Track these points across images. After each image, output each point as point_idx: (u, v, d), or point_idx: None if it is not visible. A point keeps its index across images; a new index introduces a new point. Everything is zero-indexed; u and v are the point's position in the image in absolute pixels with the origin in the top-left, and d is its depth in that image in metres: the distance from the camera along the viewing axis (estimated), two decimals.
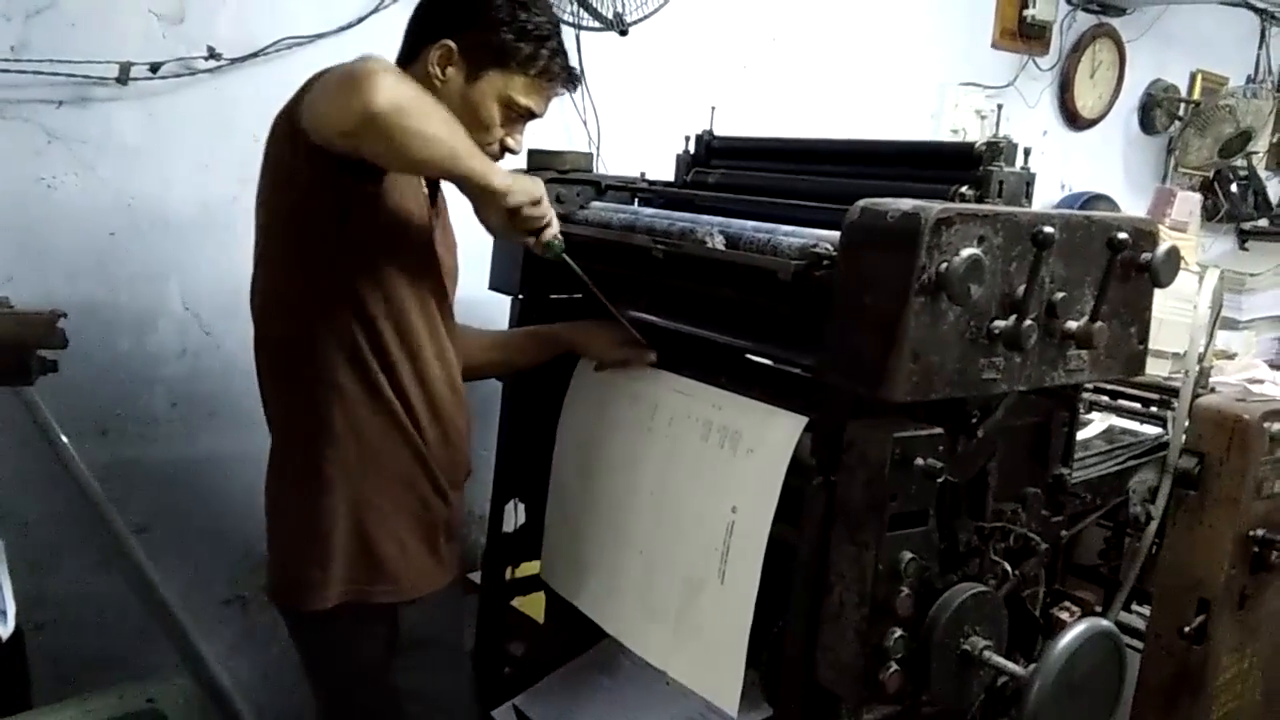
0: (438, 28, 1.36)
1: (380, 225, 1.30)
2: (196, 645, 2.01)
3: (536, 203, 1.30)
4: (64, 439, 1.81)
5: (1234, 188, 4.07)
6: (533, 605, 1.86)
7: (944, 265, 1.05)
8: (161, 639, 1.98)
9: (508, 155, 1.44)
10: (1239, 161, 4.03)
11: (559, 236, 1.35)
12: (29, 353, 1.49)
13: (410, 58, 1.39)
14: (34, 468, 1.81)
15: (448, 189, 1.45)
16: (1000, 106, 2.56)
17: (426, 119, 1.16)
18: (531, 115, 1.42)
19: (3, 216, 1.72)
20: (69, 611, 1.88)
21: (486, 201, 1.28)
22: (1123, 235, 1.16)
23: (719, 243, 1.37)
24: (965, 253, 1.05)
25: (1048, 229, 1.09)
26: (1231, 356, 2.81)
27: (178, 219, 1.89)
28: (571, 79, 1.44)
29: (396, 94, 1.12)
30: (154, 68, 1.80)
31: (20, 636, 1.68)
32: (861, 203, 1.12)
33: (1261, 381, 2.09)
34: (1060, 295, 1.18)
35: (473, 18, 1.36)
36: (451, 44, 1.35)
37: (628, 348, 1.52)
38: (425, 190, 1.41)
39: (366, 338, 1.31)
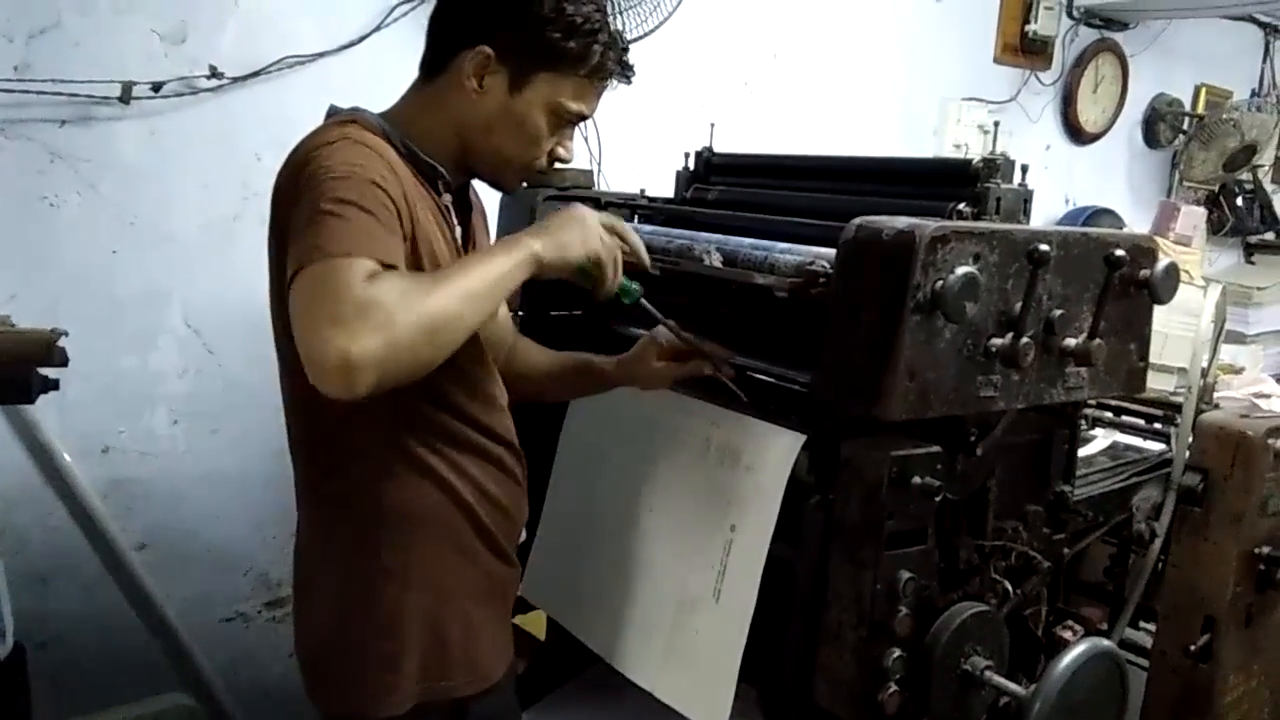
0: (470, 31, 1.19)
1: None
2: (197, 663, 2.01)
3: (598, 249, 1.15)
4: (65, 457, 1.82)
5: (1239, 201, 4.07)
6: (534, 623, 1.85)
7: (939, 283, 1.05)
8: (162, 657, 1.99)
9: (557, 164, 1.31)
10: (1244, 175, 4.03)
11: (635, 282, 1.23)
12: (30, 371, 1.49)
13: (436, 68, 1.22)
14: (35, 485, 1.82)
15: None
16: (997, 123, 2.56)
17: (440, 298, 1.00)
18: (582, 118, 1.26)
19: (6, 235, 1.74)
20: (69, 629, 1.89)
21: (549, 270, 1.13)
22: (1120, 252, 1.16)
23: (716, 260, 1.37)
24: (960, 271, 1.05)
25: (1043, 247, 1.08)
26: (1239, 371, 2.80)
27: (179, 237, 1.90)
28: (627, 72, 1.27)
29: (402, 325, 0.95)
30: (156, 87, 1.81)
31: (21, 654, 1.68)
32: (857, 220, 1.12)
33: (1268, 396, 2.07)
34: (1058, 312, 1.18)
35: (511, 17, 1.18)
36: (489, 50, 1.17)
37: (671, 364, 1.37)
38: (456, 231, 1.27)
39: (413, 409, 1.18)
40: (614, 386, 1.45)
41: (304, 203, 1.04)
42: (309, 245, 1.00)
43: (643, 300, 1.26)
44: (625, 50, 1.27)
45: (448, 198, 1.26)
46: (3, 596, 1.54)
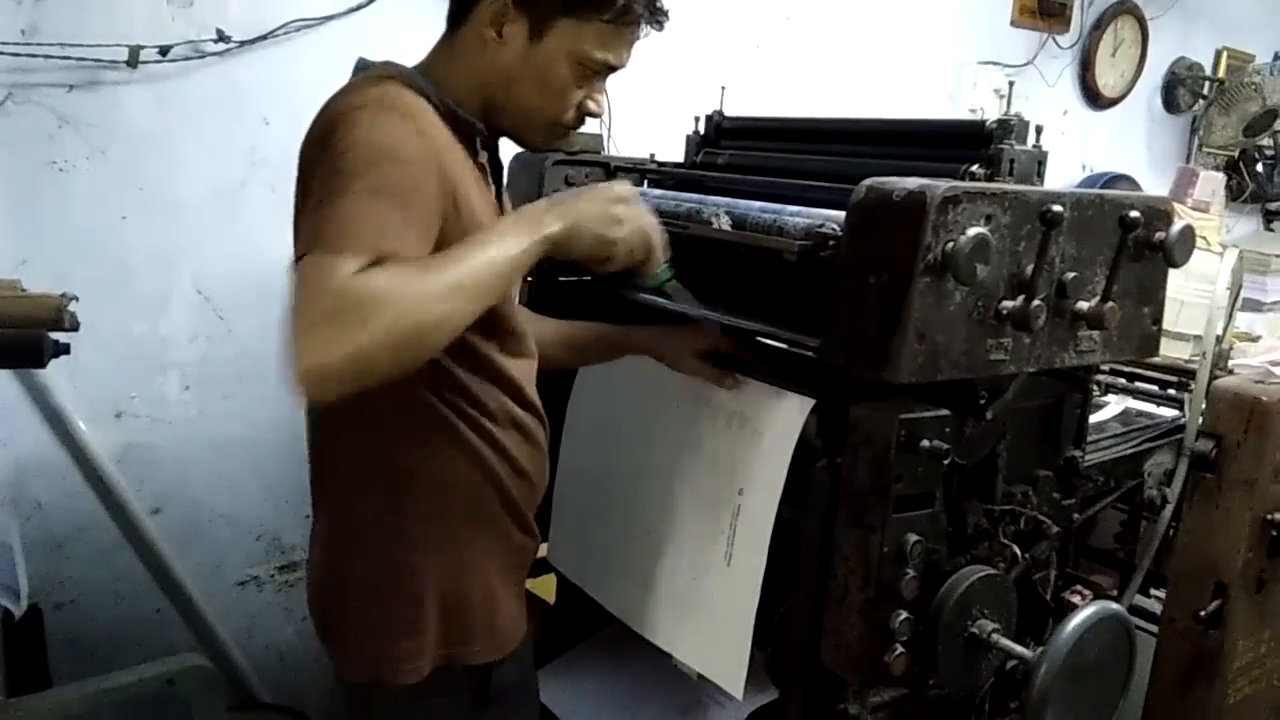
0: None
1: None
2: (211, 626, 2.03)
3: (616, 236, 1.10)
4: (78, 422, 1.83)
5: (1259, 167, 4.01)
6: (544, 587, 1.86)
7: (950, 244, 1.03)
8: (176, 619, 2.01)
9: (588, 120, 1.25)
10: (1265, 140, 3.96)
11: (666, 266, 1.18)
12: (41, 336, 1.50)
13: (458, 19, 1.18)
14: (48, 450, 1.83)
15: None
16: (1012, 84, 2.52)
17: (432, 297, 0.93)
18: (611, 69, 1.19)
19: (15, 200, 1.74)
20: (85, 592, 1.91)
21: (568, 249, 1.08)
22: (1134, 214, 1.14)
23: (725, 224, 1.36)
24: (971, 232, 1.04)
25: (1056, 207, 1.07)
26: (1255, 339, 2.77)
27: (188, 202, 1.90)
28: (657, 16, 1.19)
29: (381, 329, 0.90)
30: (163, 51, 1.80)
31: (38, 616, 1.71)
32: (867, 181, 1.11)
33: None
34: (1071, 275, 1.16)
35: None
36: None
37: (707, 364, 1.36)
38: (491, 189, 1.23)
39: (449, 376, 1.16)
40: (636, 352, 1.44)
41: (321, 174, 1.00)
42: (313, 230, 0.96)
43: (673, 284, 1.22)
44: None
45: (484, 155, 1.22)
46: (18, 558, 1.56)
